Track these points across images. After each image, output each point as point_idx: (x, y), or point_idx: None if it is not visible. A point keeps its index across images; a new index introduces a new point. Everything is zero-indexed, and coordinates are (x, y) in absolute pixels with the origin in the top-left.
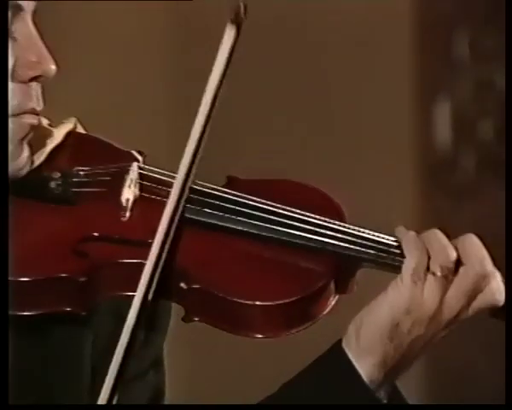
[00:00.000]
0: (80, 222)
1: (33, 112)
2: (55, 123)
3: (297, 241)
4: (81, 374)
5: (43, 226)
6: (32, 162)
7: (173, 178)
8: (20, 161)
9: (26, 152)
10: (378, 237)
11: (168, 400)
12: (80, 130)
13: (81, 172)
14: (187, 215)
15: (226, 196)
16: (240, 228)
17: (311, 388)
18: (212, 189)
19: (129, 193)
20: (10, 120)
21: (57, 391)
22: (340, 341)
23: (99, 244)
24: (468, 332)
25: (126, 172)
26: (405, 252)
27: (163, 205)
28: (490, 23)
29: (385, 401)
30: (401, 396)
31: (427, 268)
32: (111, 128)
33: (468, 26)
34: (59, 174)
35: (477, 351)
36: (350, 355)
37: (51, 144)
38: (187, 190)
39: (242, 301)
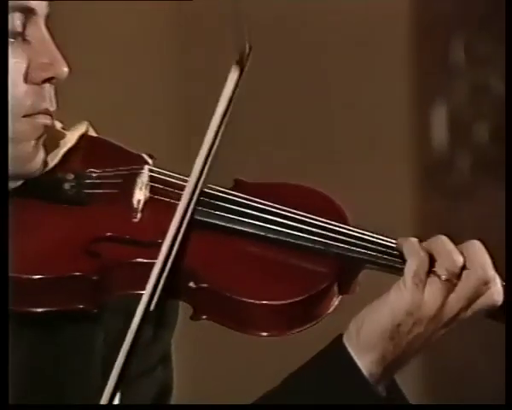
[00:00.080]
0: (93, 223)
1: (47, 112)
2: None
3: (302, 243)
4: (92, 372)
5: (57, 226)
6: (47, 164)
7: (182, 180)
8: (36, 162)
9: (41, 153)
10: (381, 239)
11: (174, 397)
12: (92, 133)
13: (94, 174)
14: (196, 217)
15: (234, 198)
16: (247, 230)
17: (312, 381)
18: (221, 191)
19: (140, 195)
20: (24, 121)
21: (68, 389)
22: (340, 335)
23: (111, 245)
24: (468, 332)
25: (138, 174)
26: (406, 256)
27: (172, 207)
28: (486, 27)
29: (384, 395)
30: (399, 390)
31: (429, 271)
32: (111, 128)
33: (464, 31)
34: (73, 176)
35: (477, 351)
36: (350, 350)
37: (65, 147)
38: (197, 194)
39: (249, 300)
